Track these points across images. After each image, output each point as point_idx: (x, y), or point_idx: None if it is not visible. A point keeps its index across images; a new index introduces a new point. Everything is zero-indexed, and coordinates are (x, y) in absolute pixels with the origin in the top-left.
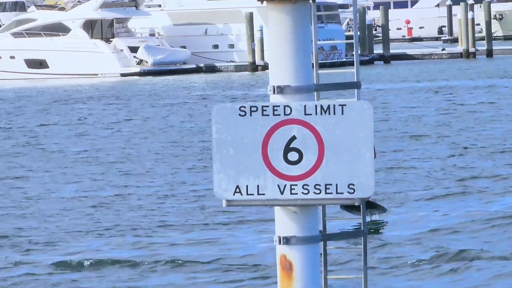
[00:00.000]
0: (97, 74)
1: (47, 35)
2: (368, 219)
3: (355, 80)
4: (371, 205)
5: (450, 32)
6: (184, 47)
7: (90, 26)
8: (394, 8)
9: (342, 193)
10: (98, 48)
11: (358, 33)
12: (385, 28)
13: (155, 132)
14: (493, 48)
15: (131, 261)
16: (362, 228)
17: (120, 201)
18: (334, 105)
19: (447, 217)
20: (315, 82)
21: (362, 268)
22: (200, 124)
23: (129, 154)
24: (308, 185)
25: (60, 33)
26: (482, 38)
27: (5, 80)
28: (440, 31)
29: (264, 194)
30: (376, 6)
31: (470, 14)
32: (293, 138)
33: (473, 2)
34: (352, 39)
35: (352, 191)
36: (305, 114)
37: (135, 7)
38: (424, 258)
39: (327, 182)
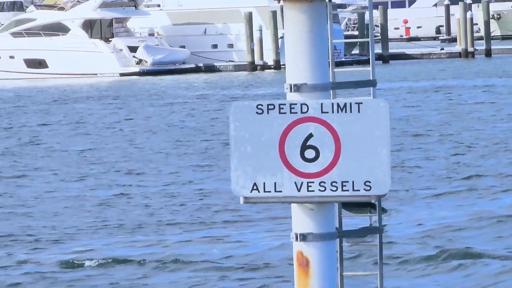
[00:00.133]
0: (96, 74)
1: (47, 35)
2: (368, 220)
3: (371, 78)
4: (371, 206)
5: (448, 31)
6: (183, 46)
7: (89, 26)
8: (392, 7)
9: (359, 190)
10: (97, 47)
11: (357, 32)
12: (384, 28)
13: (156, 132)
14: (492, 47)
15: (137, 260)
16: (378, 225)
17: (125, 200)
18: (350, 103)
19: (452, 216)
20: (331, 80)
21: (377, 265)
22: (201, 124)
23: (131, 154)
24: (324, 182)
25: (59, 33)
26: (479, 38)
27: (5, 80)
28: (438, 30)
29: (281, 191)
30: (374, 6)
31: (468, 13)
32: (310, 135)
33: (471, 1)
34: (351, 38)
35: (369, 188)
36: (322, 112)
37: (134, 7)
38: (431, 256)
39: (344, 179)
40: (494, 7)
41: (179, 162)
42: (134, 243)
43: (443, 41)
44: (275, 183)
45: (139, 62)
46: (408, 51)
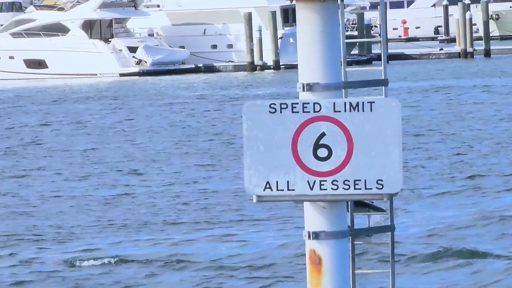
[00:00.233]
0: (96, 74)
1: (46, 35)
2: (367, 222)
3: (383, 78)
4: (368, 207)
5: (447, 32)
6: (182, 47)
7: (89, 26)
8: (390, 8)
9: (371, 188)
10: (97, 48)
11: (357, 33)
12: (384, 28)
13: (157, 132)
14: (491, 48)
15: (142, 259)
16: (390, 224)
17: (129, 200)
18: (363, 102)
19: (456, 214)
20: (343, 80)
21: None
22: (202, 124)
23: (133, 154)
24: (337, 181)
25: (59, 33)
26: (478, 38)
27: (4, 80)
28: (436, 31)
29: (294, 190)
30: (372, 6)
31: (468, 14)
32: (323, 134)
33: (470, 2)
34: (351, 38)
35: (381, 186)
36: (334, 111)
37: (134, 7)
38: (437, 254)
39: (356, 178)
40: (492, 8)
41: (181, 162)
42: (139, 242)
43: (441, 41)
44: (288, 181)
45: (139, 62)
46: (408, 52)
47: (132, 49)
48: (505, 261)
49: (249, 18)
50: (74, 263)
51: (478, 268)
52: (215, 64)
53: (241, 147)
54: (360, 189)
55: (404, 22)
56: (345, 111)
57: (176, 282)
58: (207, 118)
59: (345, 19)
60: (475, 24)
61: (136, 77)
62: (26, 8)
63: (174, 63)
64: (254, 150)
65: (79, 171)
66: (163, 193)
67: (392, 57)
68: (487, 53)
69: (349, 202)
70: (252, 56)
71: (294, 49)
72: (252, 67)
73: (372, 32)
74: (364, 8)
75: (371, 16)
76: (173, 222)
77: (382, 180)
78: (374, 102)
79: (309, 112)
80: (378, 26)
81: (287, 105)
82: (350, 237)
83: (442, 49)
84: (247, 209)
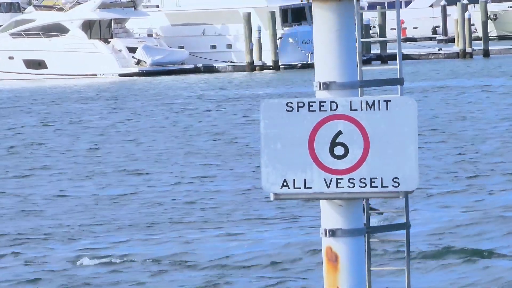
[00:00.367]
0: (95, 75)
1: (46, 35)
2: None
3: (398, 77)
4: (368, 208)
5: (445, 32)
6: (182, 47)
7: (88, 27)
8: (388, 8)
9: (387, 186)
10: (96, 48)
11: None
12: (383, 28)
13: (158, 132)
14: (490, 48)
15: (149, 258)
16: (405, 221)
17: (135, 199)
18: (379, 101)
19: (463, 213)
20: (359, 79)
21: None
22: (203, 123)
23: (135, 154)
24: (353, 179)
25: (58, 34)
26: (476, 38)
27: (4, 80)
28: (434, 31)
29: (310, 188)
30: (370, 7)
31: (467, 14)
32: (339, 133)
33: (467, 2)
34: None
35: (397, 184)
36: (351, 109)
37: (133, 8)
38: (447, 252)
39: (372, 176)
40: (490, 8)
41: (184, 162)
42: (146, 241)
43: (439, 41)
44: (304, 179)
45: (138, 62)
46: (407, 52)
47: (132, 50)
48: None
49: (248, 18)
50: (82, 261)
51: (487, 265)
52: (214, 64)
53: (244, 146)
54: (376, 187)
55: (402, 22)
56: (362, 109)
57: (182, 280)
58: (208, 118)
59: None
60: (473, 24)
61: (136, 77)
62: (24, 8)
63: (173, 64)
64: (271, 148)
65: (83, 171)
66: (167, 192)
67: (391, 57)
68: (486, 53)
69: (364, 200)
70: (252, 56)
71: (293, 49)
72: (251, 67)
73: (370, 32)
74: (362, 8)
75: (370, 17)
76: (179, 221)
77: (398, 178)
78: (390, 100)
79: (325, 110)
80: (377, 26)
81: (304, 104)
82: (365, 235)
83: (441, 49)
84: (253, 208)
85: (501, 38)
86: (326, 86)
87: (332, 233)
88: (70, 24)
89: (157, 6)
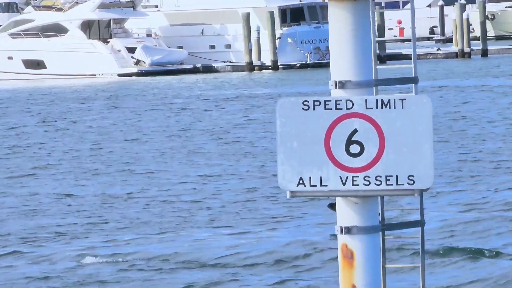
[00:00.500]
0: (94, 75)
1: (45, 35)
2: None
3: (413, 76)
4: None
5: (442, 32)
6: (181, 47)
7: (87, 27)
8: (385, 8)
9: (402, 184)
10: (95, 48)
11: None
12: (381, 28)
13: (159, 132)
14: (488, 47)
15: (151, 257)
16: (420, 219)
17: (140, 199)
18: (394, 99)
19: (471, 210)
20: (373, 77)
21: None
22: (203, 124)
23: (135, 153)
24: (369, 177)
25: (57, 34)
26: (473, 38)
27: (3, 80)
28: (432, 31)
29: (326, 186)
30: None
31: (465, 14)
32: (355, 131)
33: (465, 2)
34: None
35: (412, 182)
36: (366, 108)
37: (132, 8)
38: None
39: (388, 173)
40: (488, 8)
41: (187, 161)
42: (154, 240)
43: (437, 41)
44: (320, 177)
45: (137, 62)
46: (405, 52)
47: (131, 50)
48: None
49: (247, 18)
50: (89, 260)
51: (494, 263)
52: (213, 64)
53: (245, 146)
54: (391, 184)
55: (399, 22)
56: (377, 108)
57: (189, 279)
58: (208, 118)
59: None
60: (470, 24)
61: (135, 77)
62: (22, 9)
63: (172, 64)
64: (288, 147)
65: (87, 170)
66: (171, 191)
67: (389, 57)
68: (484, 53)
69: (380, 197)
70: (250, 56)
71: (292, 49)
72: (250, 67)
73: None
74: (379, 4)
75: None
76: (185, 220)
77: (413, 176)
78: (405, 99)
79: (341, 109)
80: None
81: (320, 102)
82: (380, 232)
83: (440, 49)
84: (258, 207)
85: (498, 38)
86: (341, 85)
87: (348, 230)
88: (69, 24)
89: (156, 6)
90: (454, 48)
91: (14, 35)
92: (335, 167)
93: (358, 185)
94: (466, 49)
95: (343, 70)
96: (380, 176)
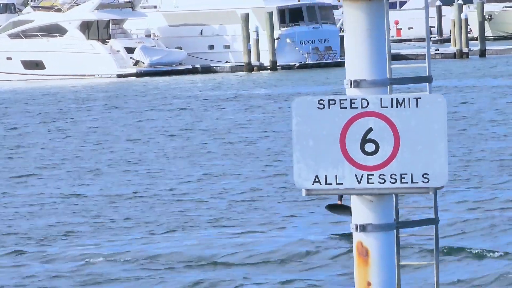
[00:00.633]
0: (93, 75)
1: (44, 36)
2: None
3: (427, 75)
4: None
5: (440, 32)
6: (179, 48)
7: (86, 27)
8: None
9: (417, 182)
10: (94, 49)
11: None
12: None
13: (159, 132)
14: (486, 48)
15: (156, 256)
16: (434, 216)
17: (141, 198)
18: (409, 98)
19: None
20: (388, 76)
21: (434, 255)
22: (203, 123)
23: (136, 153)
24: (384, 175)
25: (56, 34)
26: (471, 39)
27: (2, 81)
28: (429, 31)
29: (342, 184)
30: None
31: (463, 14)
32: (370, 130)
33: (462, 2)
34: None
35: (427, 180)
36: (381, 107)
37: (131, 8)
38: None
39: (403, 172)
40: (485, 8)
41: (191, 162)
42: (160, 240)
43: (434, 42)
44: (336, 175)
45: (136, 63)
46: (404, 52)
47: (130, 50)
48: None
49: (246, 18)
50: (96, 259)
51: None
52: (212, 65)
53: (247, 145)
54: (406, 182)
55: (396, 23)
56: (392, 106)
57: (193, 279)
58: (208, 118)
59: (341, 19)
60: (468, 25)
61: (134, 78)
62: (19, 9)
63: (171, 64)
64: (303, 145)
65: (91, 170)
66: (174, 191)
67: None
68: (483, 53)
69: (394, 195)
70: (249, 57)
71: (290, 49)
72: (249, 67)
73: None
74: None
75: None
76: (189, 220)
77: (428, 174)
78: (420, 98)
79: (356, 108)
80: None
81: (335, 101)
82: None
83: (438, 50)
84: (263, 206)
85: (496, 38)
86: (356, 84)
87: (363, 228)
88: (68, 25)
89: (155, 7)
90: (452, 48)
91: (13, 36)
92: (350, 166)
93: (373, 183)
94: (464, 50)
95: (358, 69)
96: (395, 174)
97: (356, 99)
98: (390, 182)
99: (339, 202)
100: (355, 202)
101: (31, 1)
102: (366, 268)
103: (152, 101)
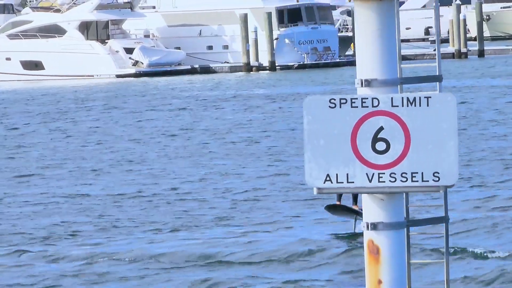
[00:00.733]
0: (93, 75)
1: (43, 36)
2: (353, 227)
3: (437, 74)
4: (356, 213)
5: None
6: (178, 48)
7: (85, 28)
8: None
9: (428, 181)
10: (93, 49)
11: (351, 33)
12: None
13: (159, 132)
14: (485, 48)
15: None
16: (444, 215)
17: (143, 198)
18: (419, 97)
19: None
20: (398, 76)
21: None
22: (203, 124)
23: (137, 153)
24: (395, 174)
25: (55, 35)
26: (469, 39)
27: (1, 81)
28: (427, 32)
29: (353, 182)
30: None
31: (462, 15)
32: (381, 128)
33: (460, 2)
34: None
35: (437, 179)
36: (392, 106)
37: (130, 9)
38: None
39: (413, 170)
40: (483, 8)
41: (192, 161)
42: (165, 240)
43: (432, 42)
44: (347, 174)
45: (135, 63)
46: (402, 52)
47: (129, 50)
48: None
49: (244, 19)
50: (102, 259)
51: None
52: (211, 65)
53: (248, 145)
54: (417, 181)
55: None
56: (403, 105)
57: (196, 277)
58: (209, 118)
59: (339, 20)
60: (465, 25)
61: (133, 78)
62: (18, 10)
63: (170, 64)
64: (315, 144)
65: (95, 170)
66: (177, 190)
67: None
68: (481, 53)
69: (405, 194)
70: (248, 57)
71: (289, 50)
72: (248, 68)
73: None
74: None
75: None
76: (193, 220)
77: (438, 173)
78: (430, 97)
79: (367, 107)
80: None
81: (346, 100)
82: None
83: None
84: (267, 206)
85: (494, 38)
86: (367, 83)
87: (374, 226)
88: (67, 25)
89: (154, 7)
90: (451, 48)
91: (12, 36)
92: (362, 164)
93: (384, 181)
94: (463, 50)
95: (369, 68)
96: (406, 173)
97: (367, 98)
98: (401, 180)
99: (337, 203)
100: (366, 201)
101: (30, 1)
102: (377, 266)
103: (151, 101)
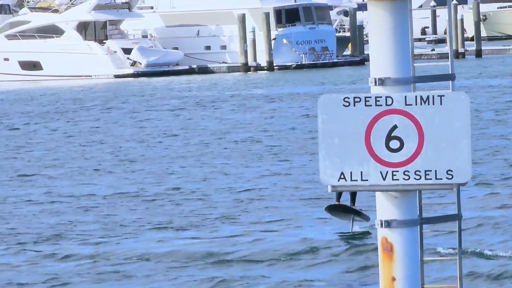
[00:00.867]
0: (91, 76)
1: (41, 37)
2: (350, 227)
3: (450, 72)
4: (356, 213)
5: (434, 33)
6: (176, 48)
7: (83, 28)
8: None
9: (441, 178)
10: (91, 49)
11: (349, 34)
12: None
13: (159, 132)
14: (482, 48)
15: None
16: (457, 212)
17: (146, 199)
18: (433, 96)
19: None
20: (411, 74)
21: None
22: (203, 123)
23: (137, 153)
24: (408, 172)
25: (54, 35)
26: (466, 39)
27: (0, 81)
28: (423, 32)
29: (367, 180)
30: (360, 8)
31: (459, 15)
32: (395, 127)
33: (456, 3)
34: (343, 39)
35: (451, 176)
36: (406, 104)
37: (128, 9)
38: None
39: (427, 168)
40: (480, 8)
41: (193, 161)
42: (172, 239)
43: (429, 42)
44: (361, 172)
45: (133, 63)
46: None
47: (127, 51)
48: None
49: (242, 19)
50: (105, 258)
51: None
52: (209, 65)
53: (249, 145)
54: (430, 179)
55: None
56: (416, 104)
57: (200, 276)
58: (210, 118)
59: (337, 20)
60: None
61: (131, 79)
62: (15, 11)
63: (168, 65)
64: (329, 143)
65: (98, 170)
66: (181, 189)
67: None
68: (479, 53)
69: (418, 192)
70: (246, 57)
71: (287, 50)
72: (245, 68)
73: (365, 32)
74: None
75: (358, 18)
76: (199, 219)
77: (452, 171)
78: (444, 95)
79: (381, 105)
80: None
81: (360, 99)
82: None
83: (434, 50)
84: (272, 205)
85: (490, 38)
86: (381, 81)
87: (388, 224)
88: (65, 26)
89: (152, 8)
90: (448, 48)
91: (10, 37)
92: (376, 162)
93: (398, 179)
94: (460, 50)
95: (382, 67)
96: (420, 171)
97: (381, 97)
98: (415, 178)
99: (337, 203)
100: (379, 198)
101: (27, 2)
102: (391, 263)
103: (150, 101)
